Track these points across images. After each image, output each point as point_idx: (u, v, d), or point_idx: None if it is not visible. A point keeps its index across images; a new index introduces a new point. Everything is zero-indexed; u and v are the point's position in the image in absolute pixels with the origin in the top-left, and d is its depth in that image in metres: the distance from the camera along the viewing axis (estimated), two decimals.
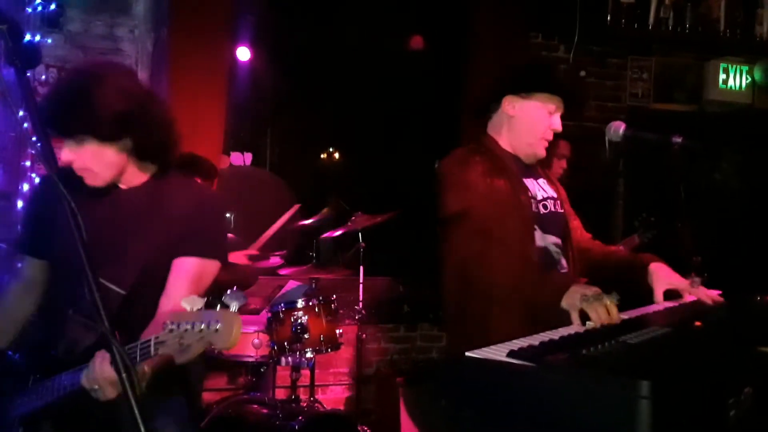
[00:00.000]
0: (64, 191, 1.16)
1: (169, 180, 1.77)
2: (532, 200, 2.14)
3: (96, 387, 1.42)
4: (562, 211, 2.25)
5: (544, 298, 1.85)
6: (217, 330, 1.27)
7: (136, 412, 1.05)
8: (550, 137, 2.20)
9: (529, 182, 2.20)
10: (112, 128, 1.61)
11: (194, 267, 1.69)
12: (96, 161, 1.64)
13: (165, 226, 1.69)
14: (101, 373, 1.39)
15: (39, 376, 1.64)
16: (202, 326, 1.29)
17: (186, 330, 1.31)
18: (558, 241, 2.17)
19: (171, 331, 1.33)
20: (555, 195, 2.25)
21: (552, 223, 2.17)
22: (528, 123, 2.18)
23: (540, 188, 2.23)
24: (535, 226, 2.12)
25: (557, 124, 2.20)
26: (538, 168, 2.32)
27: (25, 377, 1.67)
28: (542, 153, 2.22)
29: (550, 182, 2.31)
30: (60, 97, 1.60)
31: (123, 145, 1.65)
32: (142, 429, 1.07)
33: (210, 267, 1.72)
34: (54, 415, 1.61)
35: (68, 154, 1.61)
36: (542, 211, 2.17)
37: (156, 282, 1.67)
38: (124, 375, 1.05)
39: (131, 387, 1.04)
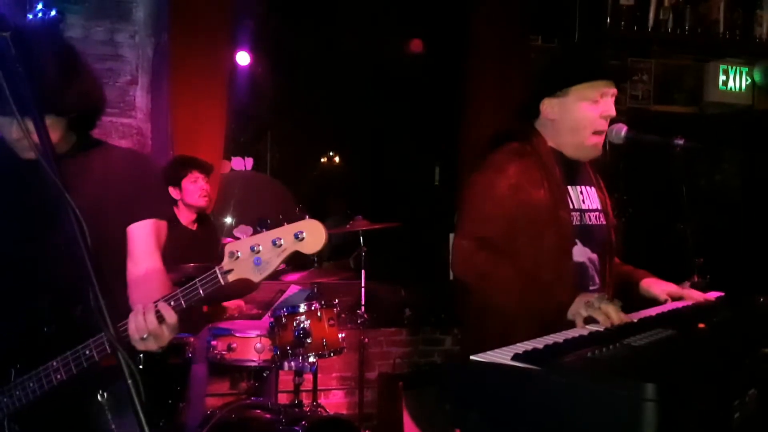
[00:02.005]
0: (70, 199, 1.16)
1: (99, 149, 1.74)
2: (574, 213, 2.04)
3: (145, 336, 1.46)
4: (605, 223, 2.15)
5: (551, 315, 1.83)
6: (303, 239, 1.39)
7: (141, 416, 1.05)
8: (603, 126, 2.05)
9: (575, 190, 2.09)
10: (70, 103, 1.59)
11: (152, 228, 1.72)
12: (56, 136, 1.59)
13: (107, 193, 1.67)
14: (148, 325, 1.44)
15: (20, 367, 1.58)
16: (282, 241, 1.40)
17: (259, 250, 1.41)
18: (594, 256, 2.09)
19: (237, 258, 1.42)
20: (600, 206, 2.15)
21: (593, 236, 2.08)
22: (572, 122, 2.04)
23: (586, 197, 2.12)
24: (576, 240, 2.03)
25: (608, 108, 2.04)
26: (590, 172, 2.20)
27: (6, 371, 1.60)
28: (596, 151, 2.07)
29: (599, 189, 2.19)
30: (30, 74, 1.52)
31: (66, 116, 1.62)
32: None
33: (163, 226, 1.76)
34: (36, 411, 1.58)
35: (17, 132, 1.52)
36: (586, 222, 2.07)
37: (109, 251, 1.63)
38: (130, 381, 1.05)
39: (137, 393, 1.05)
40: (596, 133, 2.05)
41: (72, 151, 1.70)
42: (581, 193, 2.12)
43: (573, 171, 2.13)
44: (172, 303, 1.47)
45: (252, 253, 1.42)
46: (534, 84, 2.19)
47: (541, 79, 2.17)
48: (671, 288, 2.14)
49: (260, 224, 1.45)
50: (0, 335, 1.64)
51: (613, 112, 2.06)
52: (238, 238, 1.45)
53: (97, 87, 1.69)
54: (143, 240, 1.70)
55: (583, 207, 2.10)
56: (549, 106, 2.07)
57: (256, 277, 1.43)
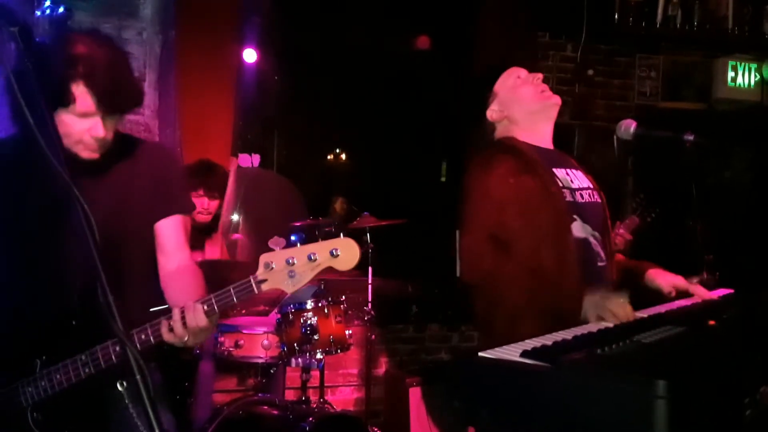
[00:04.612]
0: (78, 195, 1.16)
1: (126, 143, 1.76)
2: (566, 190, 2.07)
3: (186, 338, 1.51)
4: (600, 201, 2.17)
5: (559, 308, 1.83)
6: (337, 256, 1.45)
7: (151, 413, 1.05)
8: (542, 86, 2.17)
9: (560, 172, 2.12)
10: (137, 100, 1.67)
11: (180, 223, 1.76)
12: (113, 133, 1.66)
13: (134, 187, 1.70)
14: (198, 322, 1.49)
15: (45, 359, 1.60)
16: (317, 256, 1.46)
17: (294, 263, 1.46)
18: (596, 232, 2.10)
19: (272, 269, 1.48)
20: (591, 185, 2.18)
21: (591, 212, 2.10)
22: (518, 103, 2.15)
23: (574, 177, 2.15)
24: (575, 216, 2.04)
25: (533, 77, 2.17)
26: (572, 160, 2.24)
27: (31, 361, 1.62)
28: (552, 99, 2.16)
29: (585, 173, 2.22)
30: (114, 74, 1.60)
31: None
32: (156, 428, 1.07)
33: (188, 222, 1.81)
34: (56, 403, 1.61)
35: (102, 129, 1.60)
36: (579, 200, 2.09)
37: (135, 245, 1.69)
38: (139, 377, 1.05)
39: (146, 389, 1.05)
40: (542, 92, 2.15)
41: (109, 148, 1.71)
42: (567, 174, 2.14)
43: (553, 158, 2.16)
44: (206, 307, 1.51)
45: (287, 266, 1.47)
46: (469, 109, 2.29)
47: (471, 101, 2.26)
48: (677, 281, 2.13)
49: (296, 237, 1.49)
50: (28, 327, 1.66)
51: (539, 76, 2.18)
52: (272, 249, 1.50)
53: (140, 84, 1.81)
54: (173, 235, 1.75)
55: (573, 186, 2.11)
56: (493, 112, 2.17)
57: (288, 289, 1.48)
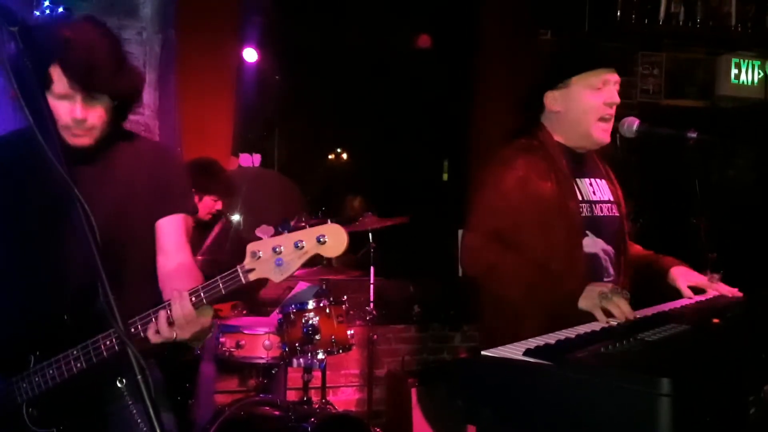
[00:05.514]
0: (78, 194, 1.15)
1: (130, 141, 1.76)
2: (583, 205, 2.04)
3: (173, 334, 1.48)
4: (618, 215, 2.14)
5: (561, 305, 1.82)
6: (324, 242, 1.44)
7: (152, 411, 1.05)
8: (608, 113, 2.04)
9: (583, 183, 2.08)
10: (127, 86, 1.64)
11: (181, 223, 1.75)
12: (101, 119, 1.63)
13: (136, 185, 1.69)
14: (184, 311, 1.47)
15: (39, 354, 1.59)
16: (304, 243, 1.44)
17: (281, 251, 1.44)
18: (609, 247, 2.07)
19: (259, 258, 1.46)
20: (612, 198, 2.14)
21: (605, 227, 2.07)
22: (577, 112, 2.04)
23: (597, 189, 2.11)
24: (587, 231, 2.02)
25: (612, 95, 2.04)
26: (600, 164, 2.20)
27: (25, 357, 1.61)
28: (604, 138, 2.06)
29: (610, 182, 2.19)
30: (90, 54, 1.55)
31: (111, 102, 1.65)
32: (157, 427, 1.06)
33: (190, 222, 1.80)
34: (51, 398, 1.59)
35: (82, 110, 1.58)
36: (596, 213, 2.06)
37: (136, 243, 1.68)
38: (140, 377, 1.04)
39: (147, 388, 1.04)
40: (602, 120, 2.05)
41: (106, 140, 1.70)
42: (590, 185, 2.11)
43: (581, 164, 2.13)
44: (194, 299, 1.49)
45: (274, 254, 1.45)
46: (536, 78, 2.19)
47: (542, 73, 2.18)
48: (699, 280, 2.12)
49: (282, 226, 1.48)
50: (21, 322, 1.66)
51: (617, 99, 2.06)
52: (259, 238, 1.48)
53: (138, 75, 1.72)
54: (174, 234, 1.73)
55: (594, 198, 2.09)
56: (552, 99, 2.08)
57: (276, 278, 1.46)
